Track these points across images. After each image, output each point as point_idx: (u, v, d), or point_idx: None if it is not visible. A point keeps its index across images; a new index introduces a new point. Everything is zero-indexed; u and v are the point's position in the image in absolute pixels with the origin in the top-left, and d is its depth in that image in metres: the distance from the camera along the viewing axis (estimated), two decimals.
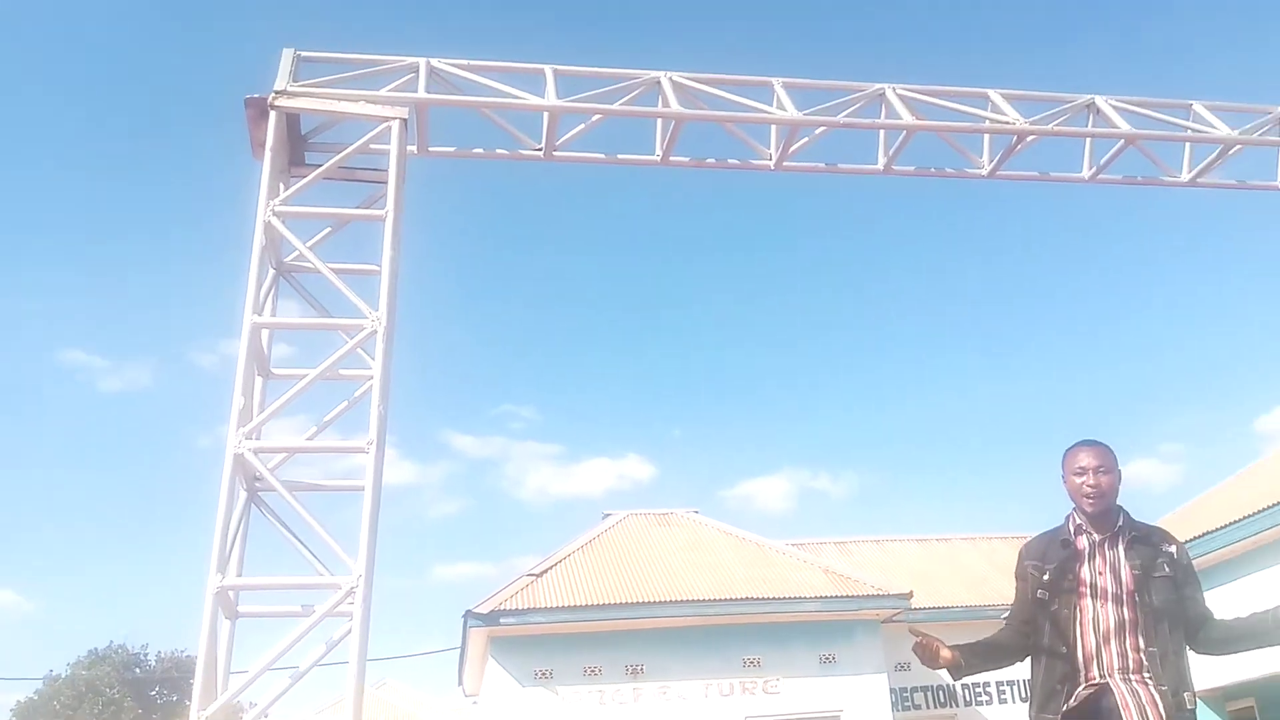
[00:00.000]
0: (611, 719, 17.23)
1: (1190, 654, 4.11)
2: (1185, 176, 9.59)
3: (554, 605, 17.48)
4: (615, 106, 8.86)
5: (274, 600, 7.89)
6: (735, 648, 17.81)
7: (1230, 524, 14.03)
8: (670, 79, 8.98)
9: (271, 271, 8.15)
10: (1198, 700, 4.07)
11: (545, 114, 8.68)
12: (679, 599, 17.81)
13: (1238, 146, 9.45)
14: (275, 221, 7.86)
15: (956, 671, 4.31)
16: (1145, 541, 4.14)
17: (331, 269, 7.91)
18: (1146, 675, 3.94)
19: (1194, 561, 13.24)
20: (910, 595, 18.15)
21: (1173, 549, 4.17)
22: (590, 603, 17.62)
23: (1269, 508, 13.53)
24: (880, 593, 18.29)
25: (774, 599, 17.90)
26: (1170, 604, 4.04)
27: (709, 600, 17.83)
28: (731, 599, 17.89)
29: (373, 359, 7.66)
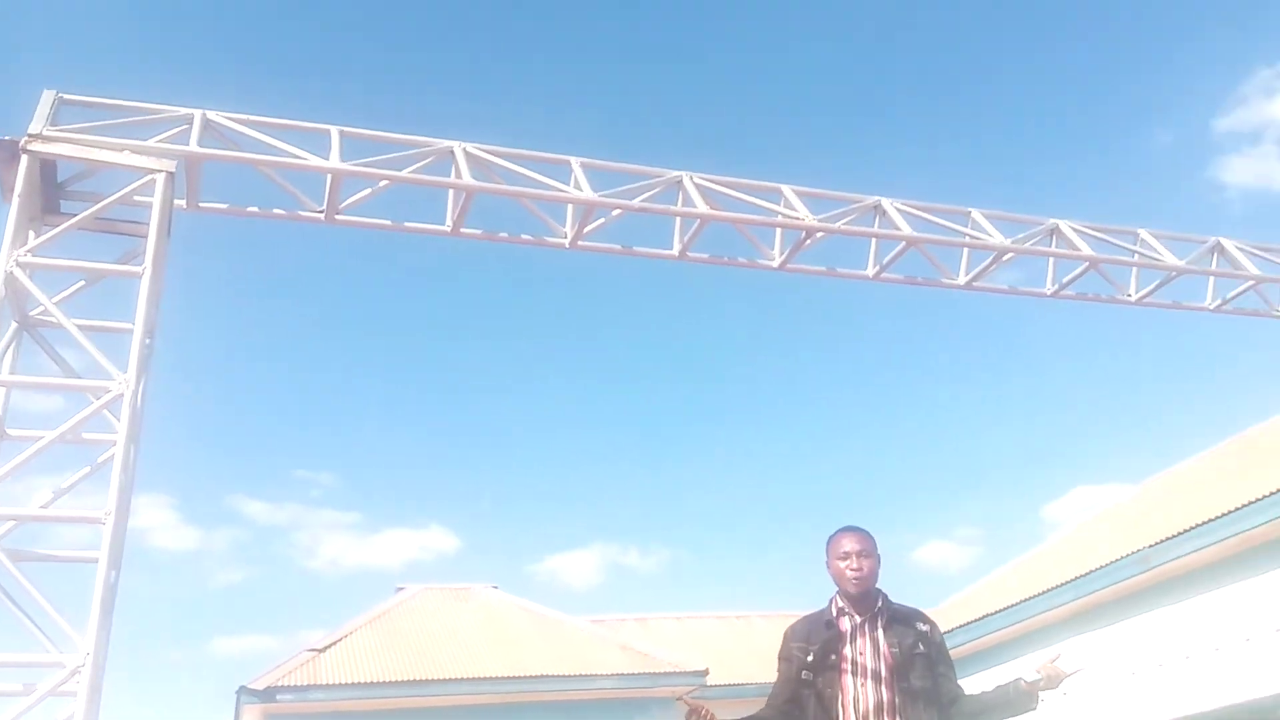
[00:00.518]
0: None
1: None
2: (962, 280, 9.75)
3: (337, 682, 16.53)
4: (404, 174, 8.47)
5: None
6: None
7: (1007, 608, 14.27)
8: (464, 150, 8.66)
9: (14, 325, 7.39)
10: None
11: (328, 176, 8.21)
12: (472, 676, 17.06)
13: (1010, 254, 9.65)
14: (19, 272, 7.15)
15: None
16: (903, 622, 4.24)
17: (80, 325, 7.22)
18: None
19: (976, 641, 13.14)
20: (706, 672, 17.84)
21: (927, 628, 4.26)
22: (377, 679, 16.73)
23: (1041, 594, 13.79)
24: (676, 670, 17.94)
25: (570, 676, 17.37)
26: (925, 681, 4.15)
27: (503, 678, 17.14)
28: (526, 676, 17.24)
29: (119, 423, 6.99)
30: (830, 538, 4.38)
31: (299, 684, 16.35)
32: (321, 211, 8.51)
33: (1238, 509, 11.25)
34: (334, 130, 8.44)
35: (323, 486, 49.22)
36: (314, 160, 8.22)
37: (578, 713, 17.34)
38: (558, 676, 17.34)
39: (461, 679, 16.97)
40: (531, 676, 17.27)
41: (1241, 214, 40.58)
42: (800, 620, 4.39)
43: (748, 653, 20.32)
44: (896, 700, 4.07)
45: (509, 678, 17.18)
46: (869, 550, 4.29)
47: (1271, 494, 10.86)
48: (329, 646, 17.73)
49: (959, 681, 4.34)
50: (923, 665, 4.18)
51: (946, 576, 44.76)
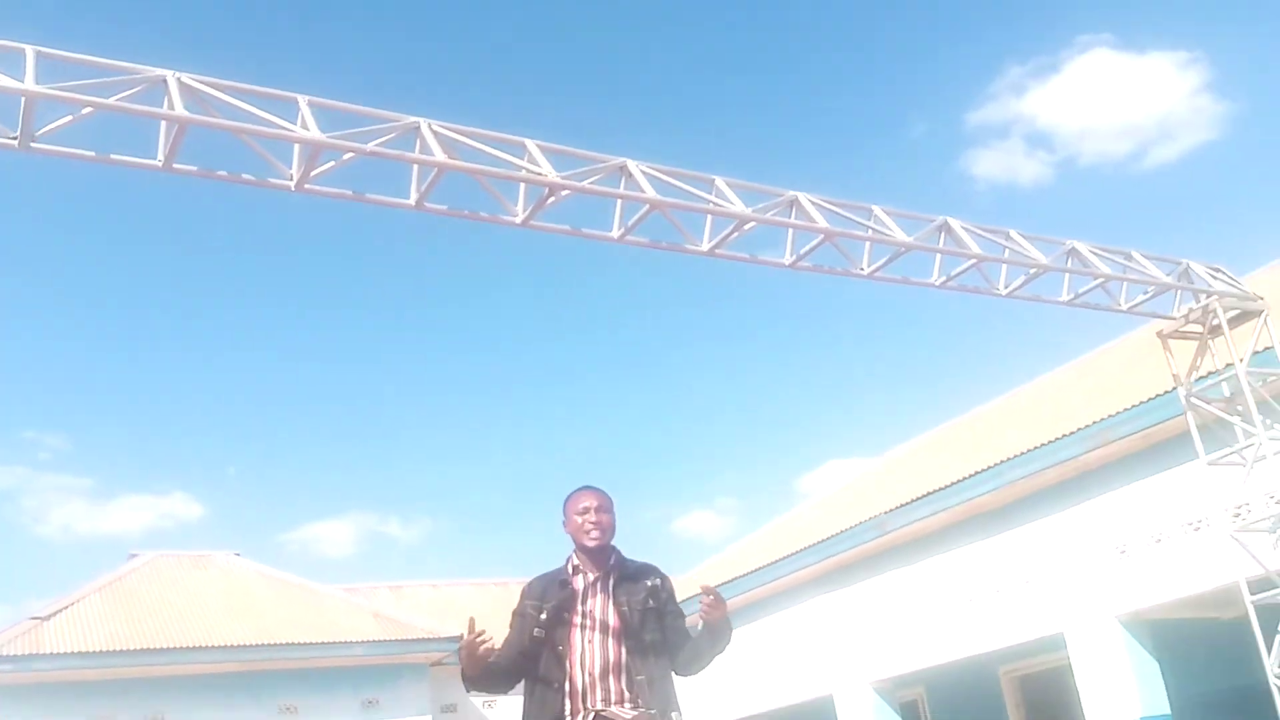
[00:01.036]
0: None
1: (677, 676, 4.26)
2: (705, 246, 9.54)
3: (62, 651, 15.23)
4: (370, 147, 7.67)
5: None
6: (271, 693, 16.40)
7: (757, 569, 14.58)
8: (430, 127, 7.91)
9: None
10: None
11: (300, 147, 7.39)
12: (210, 644, 16.03)
13: (751, 223, 9.51)
14: None
15: (474, 681, 4.18)
16: (634, 578, 4.25)
17: None
18: (638, 702, 4.05)
19: (729, 601, 13.11)
20: (461, 638, 17.17)
21: (658, 581, 4.26)
22: (106, 648, 15.53)
23: (788, 556, 14.07)
24: (430, 636, 17.47)
25: (316, 644, 16.67)
26: (655, 635, 4.17)
27: (243, 645, 16.23)
28: (269, 644, 16.38)
29: None
30: (569, 495, 4.33)
31: (20, 653, 15.04)
32: (292, 180, 7.60)
33: (964, 479, 11.66)
34: (302, 100, 7.58)
35: (53, 449, 45.14)
36: (298, 131, 7.31)
37: (328, 680, 16.66)
38: (305, 644, 16.61)
39: (199, 647, 16.03)
40: (277, 644, 16.43)
41: (988, 205, 42.75)
42: (537, 578, 4.30)
43: (505, 620, 19.83)
44: (625, 657, 4.10)
45: (252, 646, 16.31)
46: (606, 507, 4.26)
47: (994, 465, 11.31)
48: (54, 614, 16.38)
49: (688, 633, 4.34)
50: (653, 619, 4.18)
51: (708, 544, 45.71)
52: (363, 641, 16.92)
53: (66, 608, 16.61)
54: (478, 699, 18.93)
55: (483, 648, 4.00)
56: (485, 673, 4.11)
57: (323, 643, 16.67)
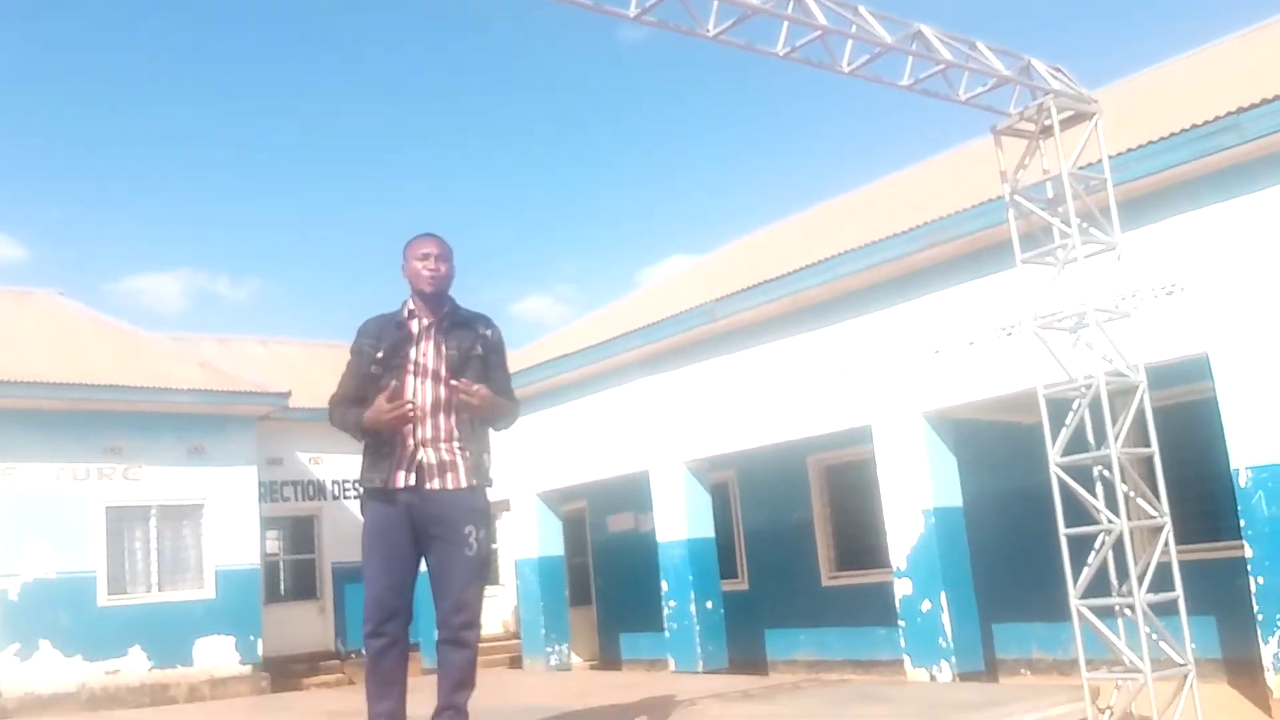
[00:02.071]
0: None
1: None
2: (711, 32, 8.67)
3: None
4: None
5: None
6: (95, 435, 15.57)
7: (585, 348, 14.34)
8: None
9: None
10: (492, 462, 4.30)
11: None
12: (29, 380, 15.04)
13: (757, 13, 8.71)
14: None
15: (344, 427, 4.37)
16: (465, 326, 4.30)
17: None
18: (455, 443, 4.18)
19: (558, 377, 12.82)
20: (289, 394, 16.83)
21: (488, 332, 4.34)
22: None
23: (615, 337, 13.88)
24: (258, 390, 16.81)
25: (142, 388, 15.77)
26: (477, 379, 4.20)
27: (67, 384, 15.26)
28: (94, 384, 15.45)
29: None
30: (410, 241, 4.33)
31: None
32: None
33: (795, 271, 11.48)
34: None
35: None
36: None
37: (152, 426, 15.91)
38: (131, 388, 15.71)
39: (20, 382, 14.96)
40: (102, 385, 15.52)
41: None
42: (373, 318, 4.37)
43: (333, 379, 19.26)
44: (451, 398, 4.16)
45: (77, 385, 15.35)
46: (446, 256, 4.28)
47: (825, 260, 11.11)
48: None
49: (509, 387, 4.44)
50: (477, 366, 4.25)
51: (546, 327, 45.69)
52: (190, 390, 16.12)
53: None
54: (303, 454, 18.59)
55: (402, 412, 4.08)
56: (352, 421, 4.26)
57: (149, 387, 15.79)
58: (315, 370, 20.20)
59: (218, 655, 15.94)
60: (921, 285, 10.53)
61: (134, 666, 15.34)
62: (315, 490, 18.63)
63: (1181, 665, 4.49)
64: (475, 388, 4.11)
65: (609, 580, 17.21)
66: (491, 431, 4.38)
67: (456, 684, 4.17)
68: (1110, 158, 5.31)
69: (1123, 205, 5.22)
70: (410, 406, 4.09)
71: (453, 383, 4.12)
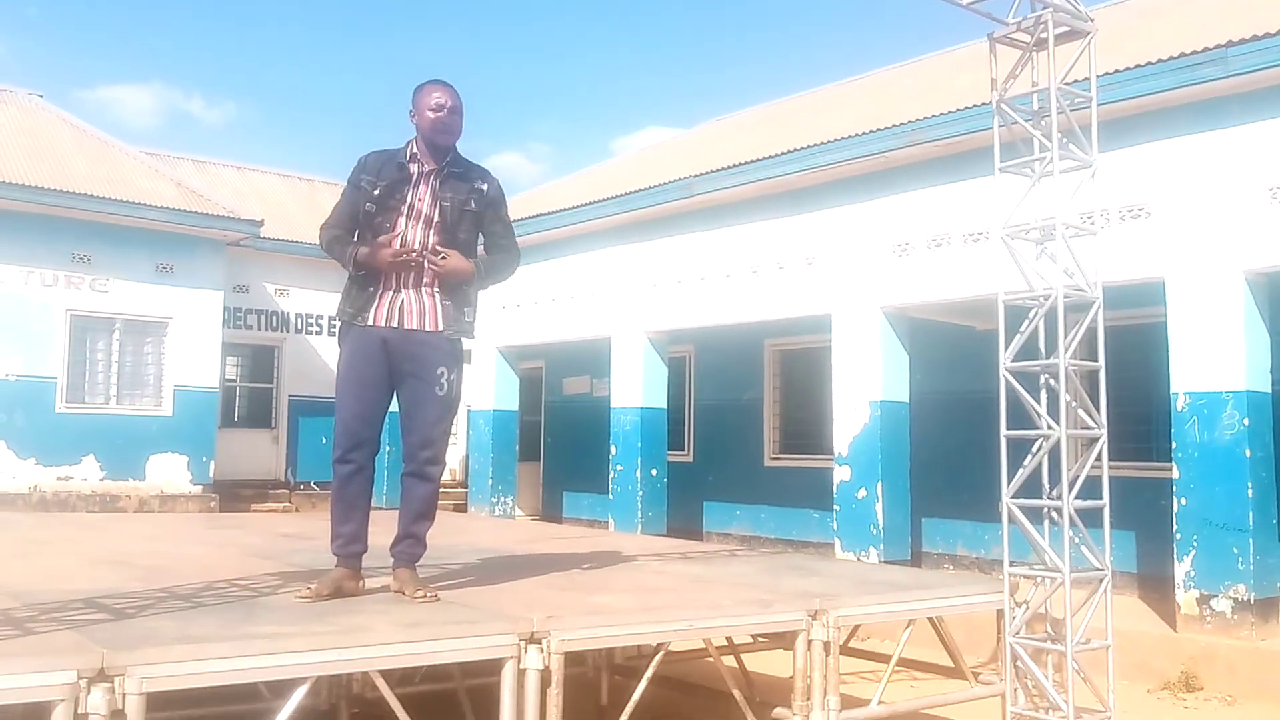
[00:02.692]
0: None
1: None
2: None
3: None
4: None
5: None
6: (65, 241, 15.33)
7: (561, 210, 14.30)
8: None
9: None
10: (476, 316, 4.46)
11: None
12: (5, 181, 14.70)
13: None
14: None
15: (335, 255, 4.30)
16: (463, 178, 4.28)
17: None
18: (438, 290, 4.22)
19: (531, 236, 12.79)
20: (261, 223, 16.63)
21: (484, 186, 4.32)
22: None
23: (592, 202, 13.85)
24: (231, 215, 16.55)
25: (117, 200, 15.49)
26: (469, 233, 4.30)
27: (40, 188, 14.96)
28: (67, 191, 15.14)
29: None
30: (422, 85, 4.26)
31: None
32: None
33: (776, 155, 11.47)
34: None
35: None
36: None
37: (123, 239, 15.68)
38: (104, 199, 15.40)
39: None
40: (75, 193, 15.21)
41: None
42: (374, 153, 4.29)
43: (306, 213, 19.14)
44: (442, 243, 4.18)
45: (50, 190, 15.02)
46: (459, 110, 4.26)
47: (807, 146, 11.07)
48: None
49: (509, 238, 4.51)
50: (470, 219, 4.28)
51: (517, 185, 45.08)
52: (163, 207, 15.85)
53: None
54: (270, 285, 18.45)
55: (406, 259, 4.11)
56: (347, 255, 4.21)
57: (123, 200, 15.50)
58: (289, 202, 19.90)
59: (170, 472, 16.10)
60: (896, 183, 10.55)
61: (87, 474, 15.46)
62: (279, 321, 18.56)
63: (1099, 570, 4.73)
64: (441, 257, 4.14)
65: (558, 440, 17.49)
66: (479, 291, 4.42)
67: (417, 515, 4.31)
68: (1098, 77, 5.32)
69: (1103, 125, 5.27)
70: (411, 254, 4.12)
71: (414, 254, 4.13)
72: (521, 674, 3.53)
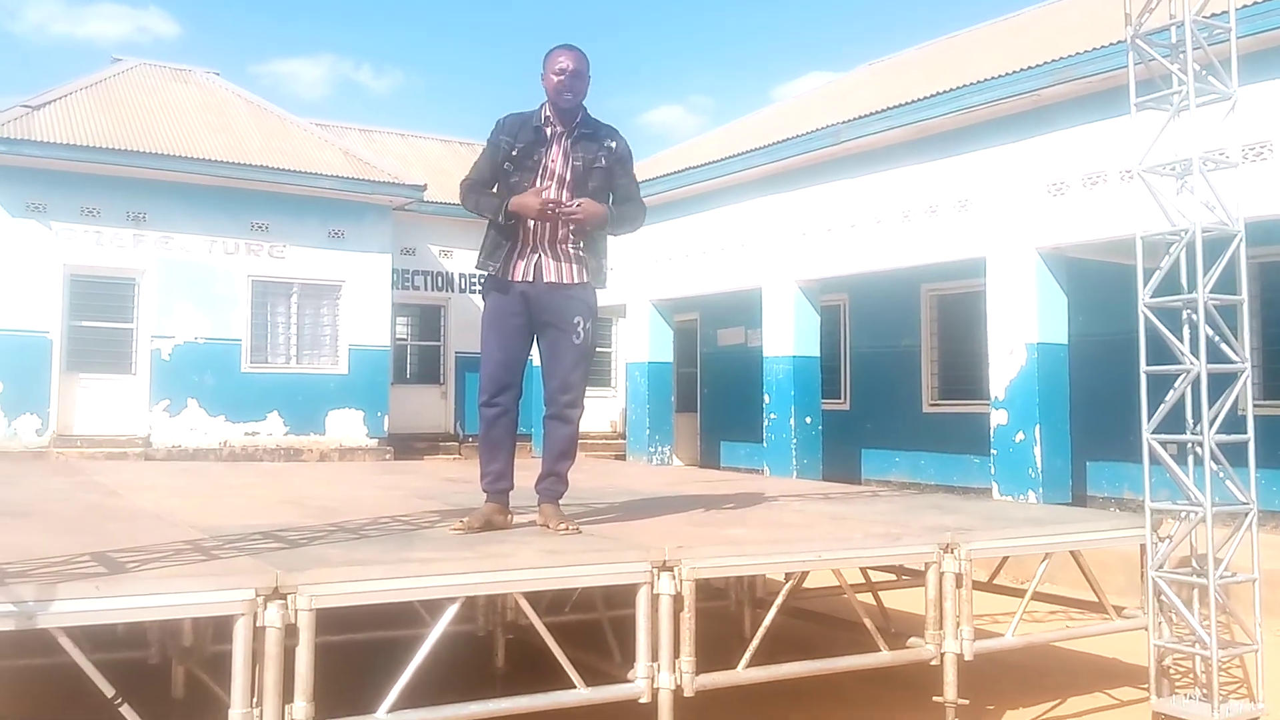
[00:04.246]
0: (108, 259, 15.53)
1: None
2: None
3: (52, 140, 14.99)
4: None
5: None
6: (245, 211, 16.44)
7: (708, 163, 14.38)
8: None
9: None
10: (607, 271, 4.65)
11: None
12: (191, 155, 15.85)
13: None
14: None
15: (479, 211, 4.52)
16: (594, 137, 4.47)
17: None
18: (572, 245, 4.47)
19: (679, 190, 13.12)
20: (424, 188, 17.39)
21: (613, 144, 4.50)
22: (93, 144, 15.28)
23: (738, 154, 13.86)
24: (396, 181, 17.38)
25: (290, 170, 16.50)
26: (601, 190, 4.47)
27: (222, 161, 16.07)
28: (246, 164, 16.23)
29: None
30: (550, 52, 4.45)
31: (12, 136, 14.78)
32: None
33: (924, 98, 11.30)
34: None
35: None
36: None
37: (296, 207, 16.68)
38: (279, 169, 16.43)
39: (180, 156, 15.80)
40: (253, 165, 16.27)
41: None
42: (513, 115, 4.52)
43: (466, 173, 19.82)
44: (566, 200, 4.37)
45: (230, 162, 16.12)
46: (582, 72, 4.41)
47: (955, 88, 10.88)
48: (44, 105, 15.95)
49: (636, 191, 4.66)
50: (601, 176, 4.46)
51: (676, 139, 45.12)
52: (333, 175, 16.78)
53: (55, 100, 16.13)
54: (435, 247, 19.27)
55: (542, 212, 4.32)
56: (490, 205, 4.43)
57: (296, 170, 16.51)
58: (450, 166, 20.66)
59: (347, 427, 17.15)
60: (1049, 121, 10.25)
61: (271, 429, 16.63)
62: (444, 282, 19.40)
63: (1244, 505, 4.65)
64: (576, 203, 4.35)
65: (714, 390, 17.73)
66: (611, 237, 4.64)
67: (559, 454, 4.62)
68: (1237, 9, 5.14)
69: (1242, 59, 5.08)
70: (556, 207, 4.33)
71: (556, 206, 4.33)
72: (655, 599, 3.77)
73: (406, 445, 17.64)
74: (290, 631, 3.12)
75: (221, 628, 3.75)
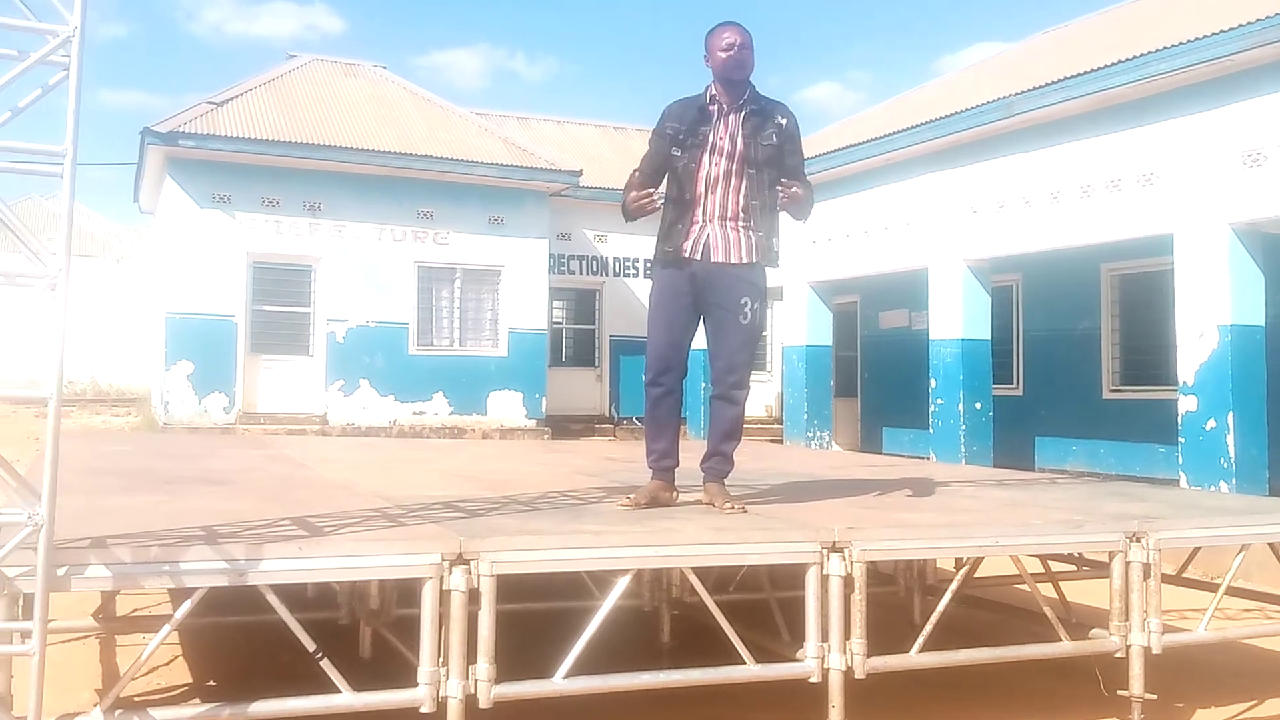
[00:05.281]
0: (287, 247, 16.42)
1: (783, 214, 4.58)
2: None
3: (235, 135, 15.96)
4: None
5: None
6: (411, 200, 17.11)
7: (873, 139, 14.19)
8: None
9: None
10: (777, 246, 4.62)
11: None
12: (361, 147, 16.62)
13: None
14: None
15: (630, 216, 4.55)
16: (762, 114, 4.46)
17: None
18: (742, 223, 4.47)
19: (842, 168, 13.02)
20: (580, 173, 17.71)
21: (784, 120, 4.48)
22: (272, 137, 16.21)
23: (905, 129, 13.61)
24: (553, 168, 17.76)
25: (453, 159, 17.09)
26: (771, 167, 4.44)
27: (390, 152, 16.80)
28: (412, 154, 16.91)
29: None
30: (711, 29, 4.48)
31: (200, 131, 15.80)
32: None
33: (1104, 66, 10.84)
34: None
35: None
36: None
37: (456, 195, 17.24)
38: (442, 158, 17.03)
39: (351, 148, 16.59)
40: (418, 155, 16.91)
41: None
42: (676, 102, 4.55)
43: (623, 161, 20.09)
44: (743, 183, 4.43)
45: (397, 153, 16.81)
46: (748, 45, 4.43)
47: (1137, 56, 10.40)
48: (226, 101, 16.97)
49: (804, 170, 4.61)
50: (770, 154, 4.45)
51: (832, 117, 44.40)
52: (493, 164, 17.28)
53: (236, 97, 17.16)
54: (589, 231, 19.60)
55: (645, 202, 4.41)
56: (637, 207, 4.46)
57: (458, 159, 17.08)
58: (605, 152, 20.97)
59: (507, 407, 17.66)
60: (1244, 87, 9.67)
61: (437, 409, 17.29)
62: (599, 266, 19.72)
63: None
64: (793, 188, 4.36)
65: (876, 374, 17.46)
66: (794, 220, 4.61)
67: (725, 434, 4.67)
68: None
69: None
70: (655, 198, 4.38)
71: (780, 185, 4.36)
72: (825, 580, 3.79)
73: (563, 426, 18.04)
74: (472, 596, 3.27)
75: (405, 592, 3.96)
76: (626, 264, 19.68)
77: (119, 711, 2.92)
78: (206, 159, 15.97)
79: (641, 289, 19.55)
